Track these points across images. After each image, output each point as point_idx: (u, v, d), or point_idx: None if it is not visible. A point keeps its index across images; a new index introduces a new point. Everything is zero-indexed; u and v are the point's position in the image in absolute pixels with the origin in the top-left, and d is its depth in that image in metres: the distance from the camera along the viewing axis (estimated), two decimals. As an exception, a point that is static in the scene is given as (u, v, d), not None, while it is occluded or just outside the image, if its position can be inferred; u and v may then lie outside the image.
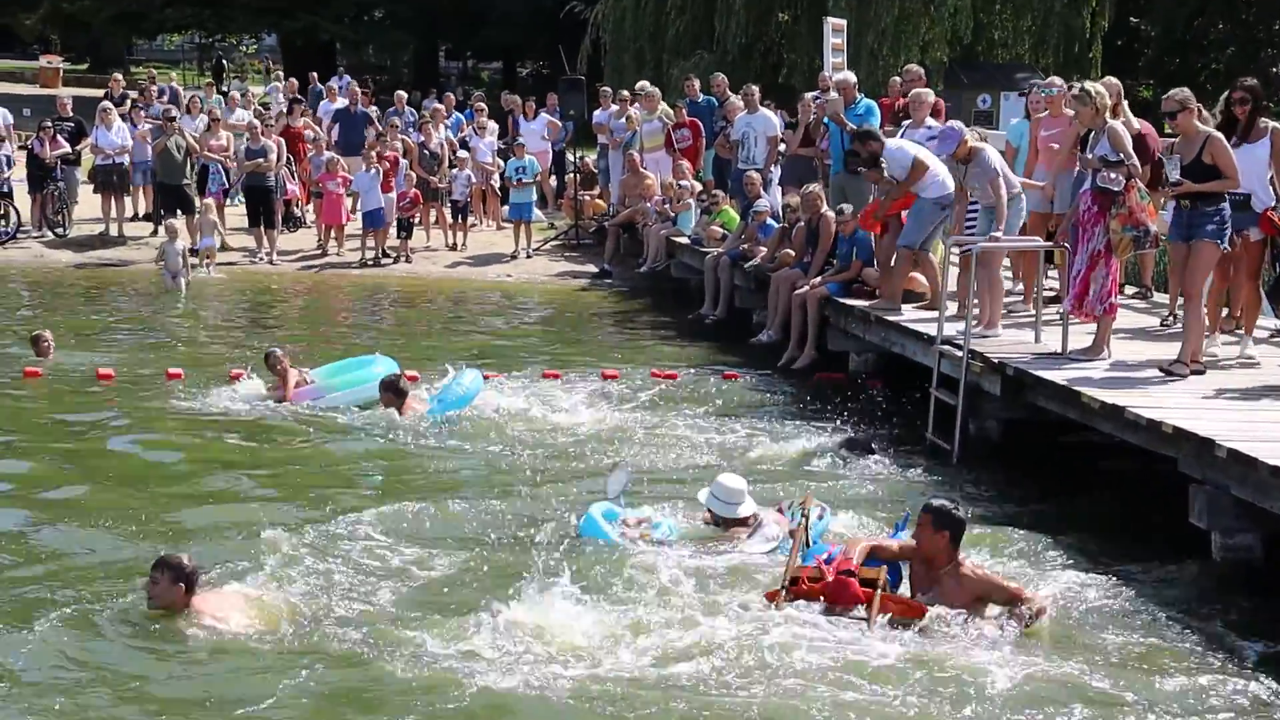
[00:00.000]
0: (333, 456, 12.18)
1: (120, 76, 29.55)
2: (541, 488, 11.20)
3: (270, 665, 7.65)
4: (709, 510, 9.83)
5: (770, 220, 18.58)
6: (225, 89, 44.48)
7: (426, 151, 24.79)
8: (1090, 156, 12.04)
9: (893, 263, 15.31)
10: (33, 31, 75.88)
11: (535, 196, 25.12)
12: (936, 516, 8.41)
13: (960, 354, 12.45)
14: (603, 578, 8.85)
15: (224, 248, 23.41)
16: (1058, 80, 15.61)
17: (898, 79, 19.71)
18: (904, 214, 15.20)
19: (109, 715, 7.15)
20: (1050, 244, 13.62)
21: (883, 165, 14.99)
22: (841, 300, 15.79)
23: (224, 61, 66.30)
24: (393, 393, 13.18)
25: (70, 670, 7.56)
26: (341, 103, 27.19)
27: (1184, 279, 11.75)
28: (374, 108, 27.86)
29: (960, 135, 13.76)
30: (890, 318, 14.67)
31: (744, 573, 9.08)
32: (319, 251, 24.21)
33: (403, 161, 24.19)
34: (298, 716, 7.15)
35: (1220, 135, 11.46)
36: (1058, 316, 12.84)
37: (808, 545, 8.90)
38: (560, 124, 26.97)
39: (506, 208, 25.32)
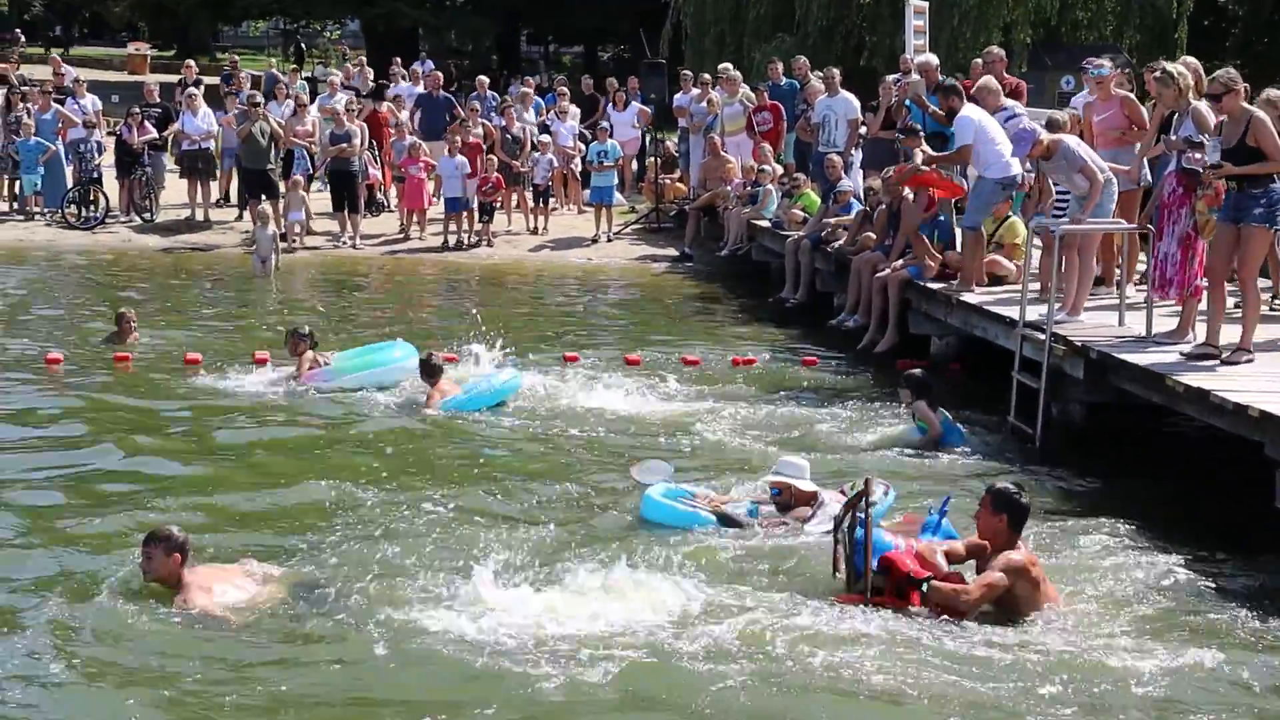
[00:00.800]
0: (387, 439, 12.23)
1: (193, 63, 29.80)
2: (607, 472, 11.26)
3: (261, 638, 7.78)
4: (772, 488, 9.87)
5: (854, 200, 18.52)
6: (309, 74, 44.83)
7: (509, 136, 24.89)
8: (1175, 138, 11.91)
9: (960, 247, 15.26)
10: (121, 19, 76.88)
11: (616, 180, 25.16)
12: (996, 498, 8.36)
13: (1042, 337, 12.37)
14: (656, 561, 8.90)
15: (309, 231, 23.63)
16: (1106, 62, 15.33)
17: (979, 60, 19.56)
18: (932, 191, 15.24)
19: (97, 684, 7.30)
20: (1133, 226, 13.48)
21: (919, 134, 15.02)
22: (923, 283, 15.72)
23: (304, 46, 66.80)
24: (426, 372, 13.25)
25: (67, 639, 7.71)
26: (405, 86, 27.38)
27: (1239, 265, 11.55)
28: (443, 93, 27.91)
29: (1034, 136, 13.57)
30: (969, 299, 14.59)
31: (805, 557, 9.09)
32: (401, 236, 24.37)
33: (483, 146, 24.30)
34: (288, 693, 7.24)
35: (1264, 116, 11.19)
36: (1141, 299, 12.72)
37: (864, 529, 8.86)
38: (649, 111, 26.98)
39: (587, 191, 25.39)
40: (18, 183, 24.81)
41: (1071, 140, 13.46)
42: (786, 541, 9.44)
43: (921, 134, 15.76)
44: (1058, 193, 13.87)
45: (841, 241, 17.97)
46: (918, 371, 12.78)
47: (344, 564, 8.86)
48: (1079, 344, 12.16)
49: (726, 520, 9.71)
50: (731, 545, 9.34)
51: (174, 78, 31.19)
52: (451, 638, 7.71)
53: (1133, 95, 14.49)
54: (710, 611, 8.14)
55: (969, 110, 15.17)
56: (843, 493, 9.83)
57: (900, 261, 16.23)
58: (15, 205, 24.84)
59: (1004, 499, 8.34)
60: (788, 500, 9.85)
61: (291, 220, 23.00)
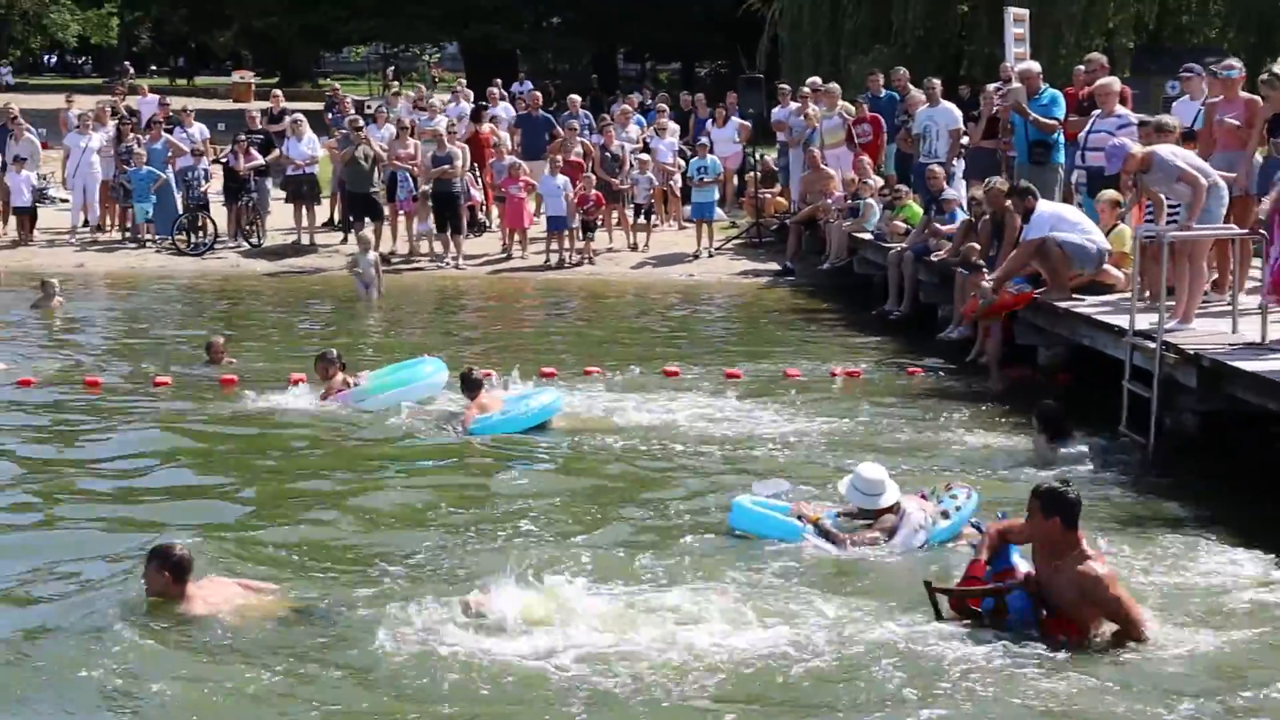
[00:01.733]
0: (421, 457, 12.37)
1: (279, 92, 30.21)
2: (699, 485, 11.28)
3: (259, 653, 7.86)
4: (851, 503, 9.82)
5: (959, 209, 18.40)
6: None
7: (608, 154, 24.99)
8: (1285, 141, 11.72)
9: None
10: (225, 48, 78.16)
11: (717, 196, 25.17)
12: (1047, 501, 7.88)
13: (1153, 346, 12.20)
14: (740, 573, 8.96)
15: (412, 253, 23.87)
16: (1236, 63, 15.11)
17: (1081, 68, 19.37)
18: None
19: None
20: (1245, 232, 13.27)
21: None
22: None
23: (398, 71, 67.52)
24: (466, 387, 13.21)
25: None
26: (503, 106, 27.59)
27: None
28: (542, 113, 28.07)
29: (1126, 150, 13.41)
30: (1068, 307, 14.45)
31: (888, 574, 9.06)
32: (503, 256, 24.52)
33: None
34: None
35: None
36: (1255, 306, 12.51)
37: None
38: (749, 125, 26.96)
39: (688, 208, 25.42)
40: (130, 211, 25.25)
41: (1165, 149, 13.26)
42: (872, 556, 9.43)
43: (981, 264, 15.45)
44: (1169, 203, 13.66)
45: (945, 252, 17.85)
46: (1050, 405, 12.45)
47: (360, 584, 8.94)
48: (1191, 352, 11.97)
49: (822, 532, 9.65)
50: (814, 560, 9.34)
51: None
52: (487, 651, 7.76)
53: (1257, 98, 14.24)
54: (774, 625, 8.12)
55: (1043, 207, 15.02)
56: (923, 497, 9.82)
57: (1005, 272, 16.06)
58: (128, 233, 25.27)
59: (1054, 500, 7.84)
60: (864, 511, 9.81)
61: (419, 231, 23.63)
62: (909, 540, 9.46)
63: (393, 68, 49.21)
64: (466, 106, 28.18)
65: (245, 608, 8.37)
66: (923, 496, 9.90)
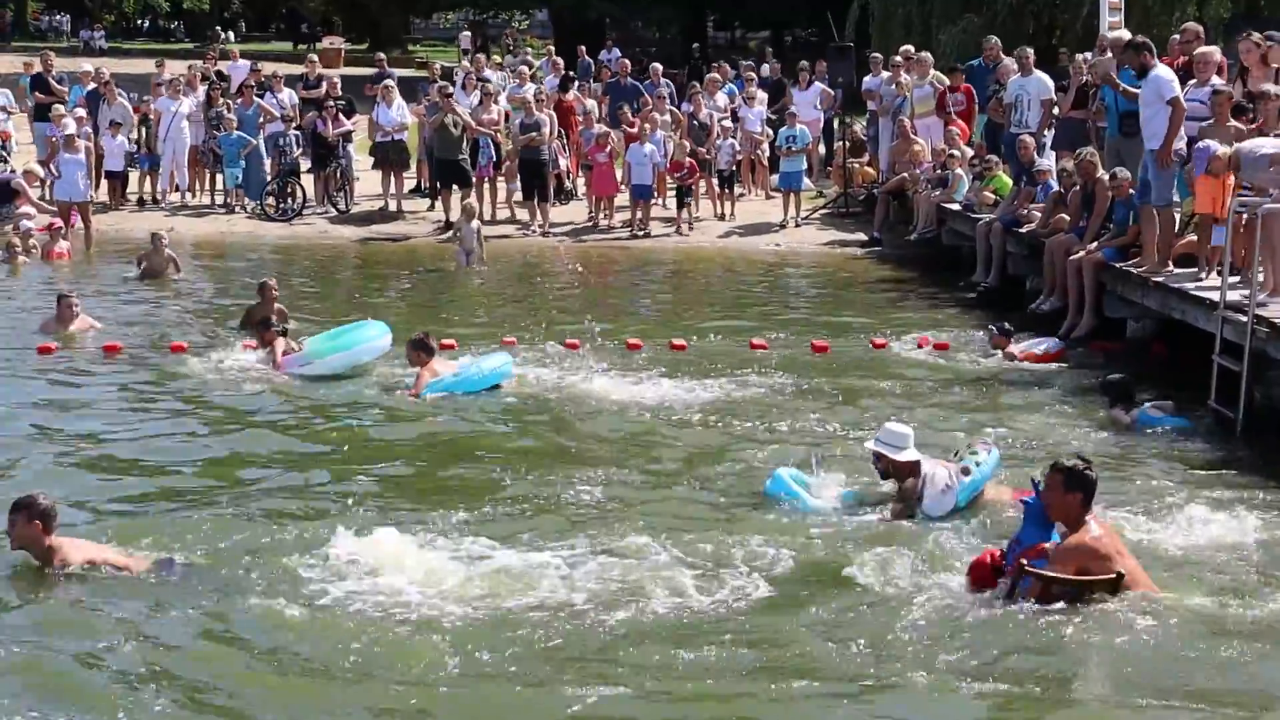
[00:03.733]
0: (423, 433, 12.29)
1: (315, 58, 30.16)
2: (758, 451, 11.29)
3: (118, 608, 8.00)
4: (875, 456, 9.85)
5: (1051, 181, 18.21)
6: (500, 64, 45.20)
7: (695, 122, 24.92)
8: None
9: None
10: (316, 14, 78.58)
11: (805, 165, 25.04)
12: (1069, 477, 7.91)
13: (1244, 319, 12.03)
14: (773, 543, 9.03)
15: (493, 220, 23.98)
16: None
17: (1176, 37, 19.06)
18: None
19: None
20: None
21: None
22: (1119, 265, 15.39)
23: (489, 38, 67.56)
24: (421, 350, 13.18)
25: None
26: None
27: None
28: (631, 80, 27.98)
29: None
30: (1163, 280, 14.27)
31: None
32: (590, 224, 24.55)
33: (661, 134, 24.32)
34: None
35: None
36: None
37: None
38: (833, 93, 26.79)
39: (775, 177, 25.31)
40: (219, 176, 25.48)
41: (1247, 145, 13.10)
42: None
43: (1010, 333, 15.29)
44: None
45: (1035, 224, 17.68)
46: (1116, 377, 12.50)
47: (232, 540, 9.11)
48: (1283, 326, 11.81)
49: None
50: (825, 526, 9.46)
51: (368, 70, 31.73)
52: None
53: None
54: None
55: (1163, 69, 14.83)
56: (952, 458, 9.85)
57: (1096, 244, 15.92)
58: (220, 199, 25.50)
59: (1078, 477, 7.91)
60: (886, 469, 9.83)
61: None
62: (940, 503, 9.50)
63: (467, 33, 49.33)
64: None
65: (105, 563, 8.46)
66: (954, 456, 9.96)
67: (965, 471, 9.69)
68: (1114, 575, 7.77)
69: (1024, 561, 7.80)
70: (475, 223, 21.30)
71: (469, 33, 52.34)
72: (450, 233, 22.44)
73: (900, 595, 8.15)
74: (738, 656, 7.46)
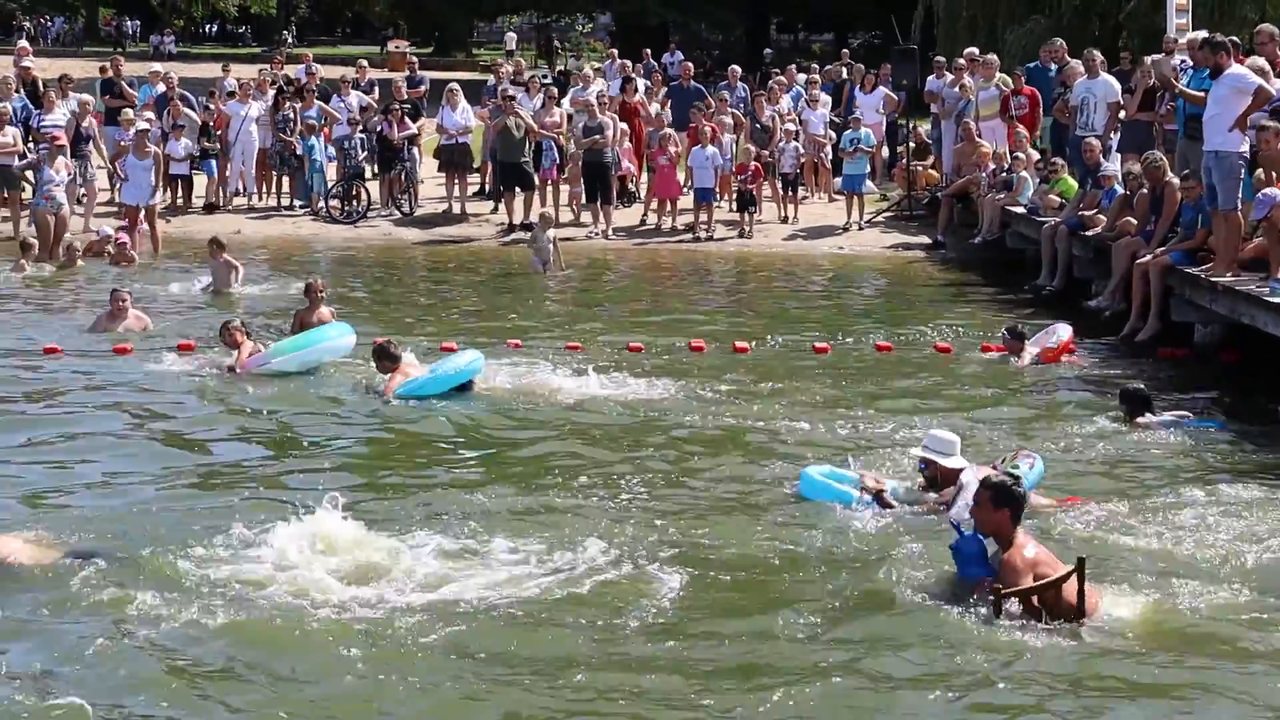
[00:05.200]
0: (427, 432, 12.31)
1: (365, 63, 30.34)
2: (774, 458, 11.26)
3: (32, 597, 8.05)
4: (920, 462, 9.83)
5: (1117, 186, 18.06)
6: (563, 67, 45.43)
7: (758, 125, 24.88)
8: None
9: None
10: (381, 17, 79.11)
11: (868, 168, 24.95)
12: (997, 494, 7.93)
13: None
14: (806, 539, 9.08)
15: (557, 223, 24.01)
16: None
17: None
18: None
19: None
20: None
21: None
22: (1186, 270, 15.24)
23: (555, 42, 67.80)
24: (386, 358, 13.14)
25: None
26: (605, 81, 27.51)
27: None
28: (693, 84, 28.00)
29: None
30: (1230, 283, 14.12)
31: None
32: (652, 227, 24.55)
33: (728, 138, 24.31)
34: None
35: None
36: None
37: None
38: (896, 97, 26.68)
39: (838, 180, 25.24)
40: (286, 178, 25.64)
41: None
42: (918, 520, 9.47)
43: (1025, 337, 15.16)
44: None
45: (1100, 227, 17.55)
46: (1133, 387, 12.45)
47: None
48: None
49: (881, 501, 9.77)
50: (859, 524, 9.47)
51: (432, 74, 31.83)
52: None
53: None
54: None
55: (1239, 67, 14.69)
56: (994, 468, 9.73)
57: (1163, 248, 15.78)
58: (287, 201, 25.65)
59: (1005, 493, 7.93)
60: (934, 475, 9.80)
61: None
62: (962, 513, 9.42)
63: (512, 34, 49.57)
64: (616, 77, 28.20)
65: (19, 552, 8.49)
66: (994, 467, 9.83)
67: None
68: (1072, 568, 7.71)
69: (998, 586, 7.72)
70: (551, 231, 21.23)
71: (513, 34, 52.67)
72: (513, 235, 22.46)
73: (910, 603, 8.11)
74: (718, 654, 7.51)
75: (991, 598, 7.70)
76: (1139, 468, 10.97)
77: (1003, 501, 7.90)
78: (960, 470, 9.61)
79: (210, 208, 25.25)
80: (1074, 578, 7.66)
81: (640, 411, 12.58)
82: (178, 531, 9.03)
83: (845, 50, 32.58)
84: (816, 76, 27.72)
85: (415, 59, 30.41)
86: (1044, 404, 13.09)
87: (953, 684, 7.11)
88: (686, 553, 8.90)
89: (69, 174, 21.92)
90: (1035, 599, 7.68)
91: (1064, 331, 14.80)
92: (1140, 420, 11.92)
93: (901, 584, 8.30)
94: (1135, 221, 16.60)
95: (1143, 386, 12.46)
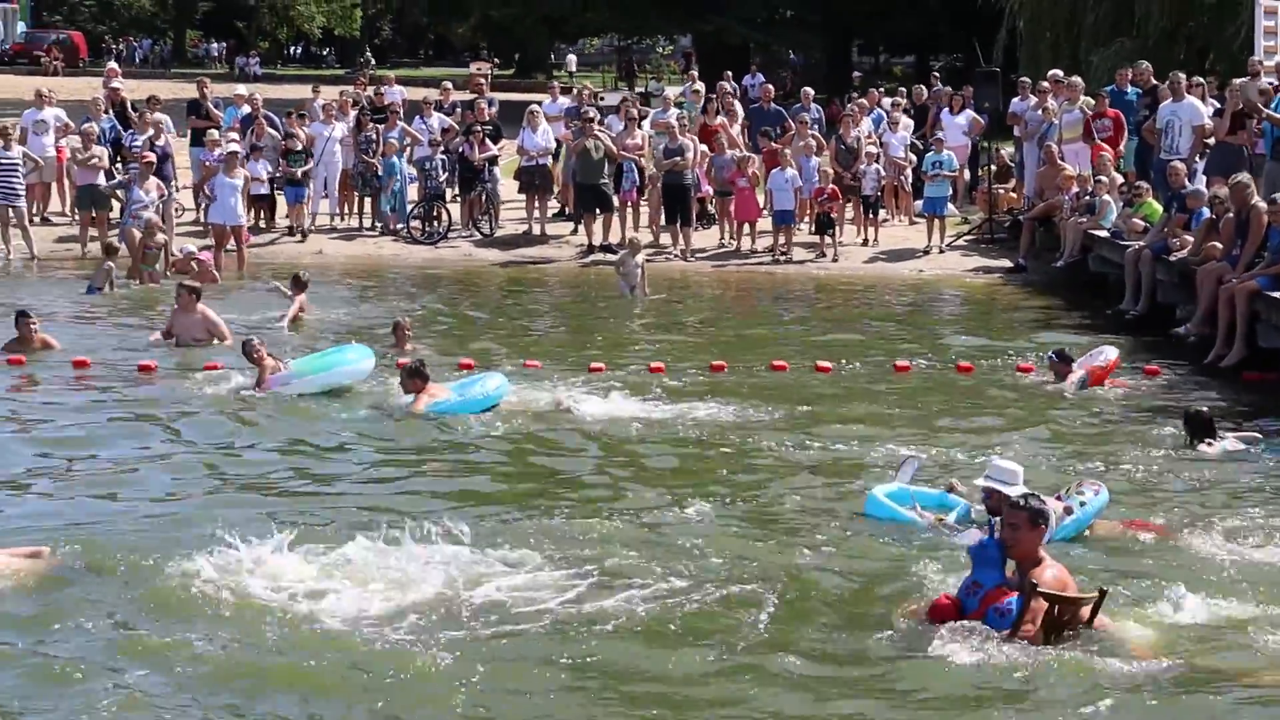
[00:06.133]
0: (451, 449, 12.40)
1: (449, 84, 30.40)
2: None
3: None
4: (985, 493, 9.71)
5: (1203, 209, 17.88)
6: (643, 89, 45.56)
7: (843, 146, 24.83)
8: None
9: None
10: (463, 39, 79.67)
11: (949, 191, 24.83)
12: (1035, 515, 7.92)
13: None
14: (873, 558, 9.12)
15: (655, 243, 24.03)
16: None
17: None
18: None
19: None
20: None
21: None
22: (1273, 295, 15.06)
23: (634, 63, 67.97)
24: (417, 378, 13.19)
25: None
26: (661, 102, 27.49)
27: None
28: (774, 106, 27.98)
29: None
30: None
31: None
32: (731, 249, 24.54)
33: (815, 160, 24.29)
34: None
35: None
36: None
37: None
38: (983, 120, 26.51)
39: (919, 202, 25.14)
40: (369, 199, 25.81)
41: None
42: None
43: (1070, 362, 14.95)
44: None
45: (1186, 251, 17.37)
46: (1195, 410, 12.43)
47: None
48: None
49: (945, 526, 9.80)
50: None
51: (513, 96, 32.01)
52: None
53: None
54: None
55: None
56: (1058, 499, 9.76)
57: (1250, 272, 15.60)
58: (368, 221, 25.83)
59: (1042, 514, 7.95)
60: (997, 505, 9.66)
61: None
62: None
63: (573, 56, 49.75)
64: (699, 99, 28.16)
65: (10, 571, 8.57)
66: (1057, 498, 9.86)
67: (1068, 511, 9.69)
68: (1096, 595, 7.81)
69: (1033, 583, 7.71)
70: (640, 256, 21.23)
71: (574, 56, 52.82)
72: (592, 256, 22.48)
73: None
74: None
75: (1027, 591, 7.70)
76: (1202, 491, 10.96)
77: (1039, 521, 7.92)
78: None
79: (295, 231, 25.23)
80: (1094, 604, 7.78)
81: (719, 430, 12.63)
82: (199, 542, 9.08)
83: (935, 74, 32.30)
84: (900, 99, 27.59)
85: (484, 80, 30.49)
86: (1106, 427, 13.05)
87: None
88: (753, 571, 8.94)
89: (159, 194, 22.14)
90: (1057, 610, 7.71)
91: (1111, 352, 14.69)
92: (1202, 444, 11.88)
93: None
94: (1221, 246, 16.43)
95: (1205, 410, 12.42)
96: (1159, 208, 19.20)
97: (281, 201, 25.47)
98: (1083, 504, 9.79)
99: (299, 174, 24.54)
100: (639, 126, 25.09)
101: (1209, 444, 11.91)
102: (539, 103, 27.35)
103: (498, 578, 8.63)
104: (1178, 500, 10.67)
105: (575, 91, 29.98)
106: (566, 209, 26.17)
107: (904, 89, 29.87)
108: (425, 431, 12.66)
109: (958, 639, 7.66)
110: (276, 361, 14.14)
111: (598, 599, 8.33)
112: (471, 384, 13.58)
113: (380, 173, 25.04)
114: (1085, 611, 7.81)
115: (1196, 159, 19.89)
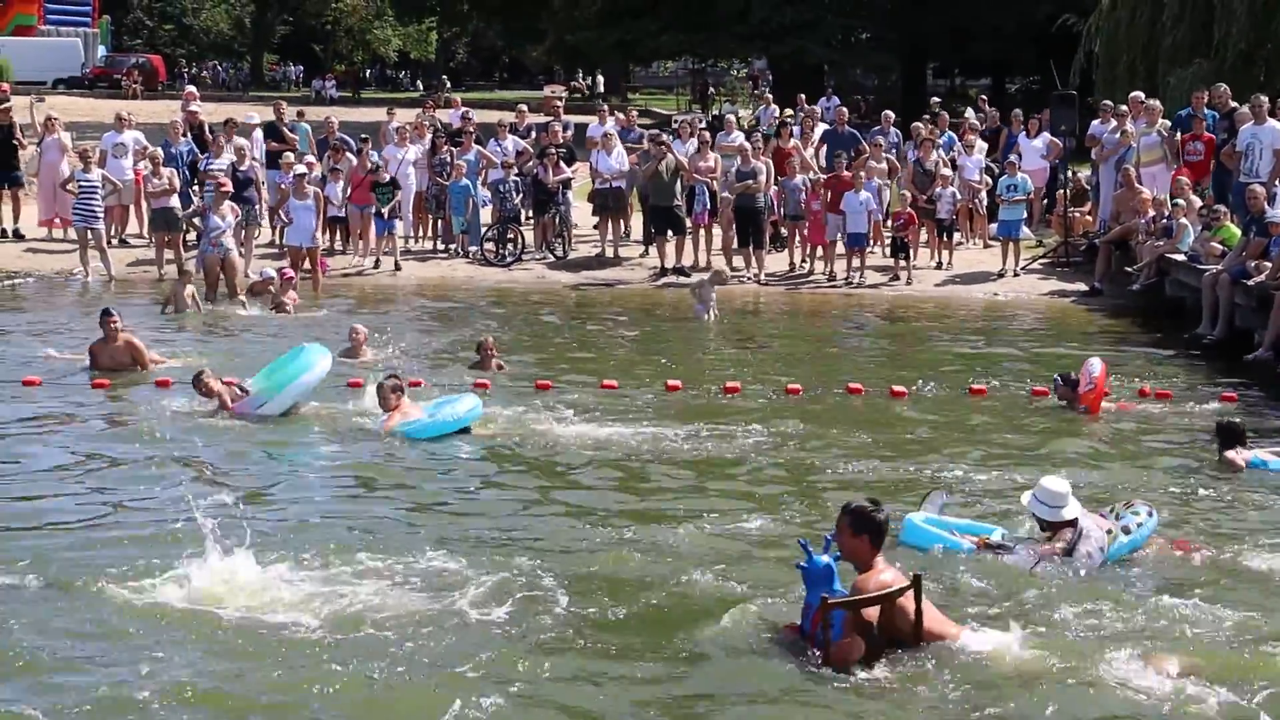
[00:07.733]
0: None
1: (524, 107, 30.47)
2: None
3: None
4: (1033, 515, 9.66)
5: (1281, 234, 17.70)
6: (717, 112, 45.59)
7: (921, 169, 24.74)
8: None
9: None
10: (538, 62, 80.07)
11: (1024, 214, 24.66)
12: (856, 519, 7.86)
13: None
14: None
15: (707, 267, 23.97)
16: None
17: None
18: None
19: None
20: None
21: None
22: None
23: (710, 86, 68.04)
24: (393, 393, 13.12)
25: None
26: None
27: None
28: (848, 128, 27.89)
29: None
30: None
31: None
32: (804, 272, 24.49)
33: (876, 182, 24.20)
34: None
35: None
36: None
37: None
38: (1060, 143, 26.31)
39: (994, 225, 24.99)
40: (442, 221, 25.96)
41: None
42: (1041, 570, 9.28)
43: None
44: None
45: (1264, 275, 17.17)
46: (1227, 421, 12.45)
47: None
48: None
49: (993, 547, 9.66)
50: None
51: (587, 119, 32.06)
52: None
53: None
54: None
55: None
56: (1103, 516, 9.70)
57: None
58: (441, 244, 25.96)
59: (865, 518, 7.86)
60: (1045, 524, 9.67)
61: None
62: (1090, 560, 9.35)
63: (709, 84, 49.87)
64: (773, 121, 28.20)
65: None
66: (1102, 516, 9.79)
67: (1126, 530, 9.62)
68: (907, 583, 7.71)
69: (826, 597, 7.65)
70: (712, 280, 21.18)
71: (713, 86, 52.83)
72: (664, 279, 22.44)
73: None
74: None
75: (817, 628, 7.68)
76: (1237, 509, 10.95)
77: (862, 528, 7.87)
78: (1074, 520, 9.52)
79: (379, 260, 25.24)
80: (910, 594, 7.69)
81: (787, 450, 12.66)
82: (166, 560, 9.08)
83: (983, 98, 32.12)
84: (975, 122, 27.44)
85: (559, 103, 30.63)
86: (1156, 451, 12.97)
87: None
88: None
89: (235, 218, 22.28)
90: (867, 613, 7.66)
91: (1095, 365, 14.47)
92: (1229, 454, 11.92)
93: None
94: (1301, 270, 16.23)
95: (1238, 421, 12.46)
96: (1237, 231, 19.00)
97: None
98: (1139, 524, 9.72)
99: (384, 212, 24.57)
100: (710, 149, 25.09)
101: (1237, 452, 11.91)
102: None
103: (481, 589, 8.71)
104: (1226, 524, 10.63)
105: (624, 115, 30.01)
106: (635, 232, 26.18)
107: (973, 111, 29.62)
108: (397, 449, 12.68)
109: (790, 661, 7.72)
110: (231, 387, 13.90)
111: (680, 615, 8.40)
112: (443, 405, 13.47)
113: (451, 196, 25.19)
114: (909, 606, 7.68)
115: (1276, 183, 19.65)
